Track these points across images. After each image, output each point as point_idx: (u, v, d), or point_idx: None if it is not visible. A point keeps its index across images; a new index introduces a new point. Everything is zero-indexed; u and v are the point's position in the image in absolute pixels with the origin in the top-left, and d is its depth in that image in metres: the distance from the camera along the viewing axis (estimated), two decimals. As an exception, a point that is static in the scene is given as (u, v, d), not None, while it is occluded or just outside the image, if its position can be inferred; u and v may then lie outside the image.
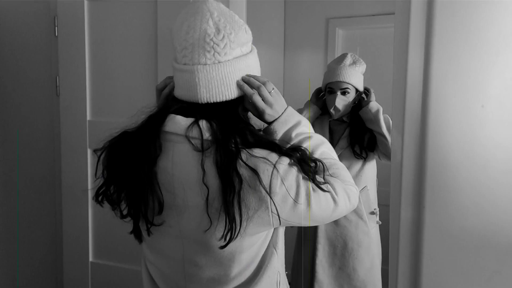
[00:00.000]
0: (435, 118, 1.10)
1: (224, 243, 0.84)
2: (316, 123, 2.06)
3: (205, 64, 0.87)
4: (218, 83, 0.88)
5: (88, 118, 1.88)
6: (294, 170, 0.87)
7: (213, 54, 0.87)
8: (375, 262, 2.01)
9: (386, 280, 1.36)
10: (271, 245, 0.99)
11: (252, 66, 0.94)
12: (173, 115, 0.90)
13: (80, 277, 1.96)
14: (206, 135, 0.86)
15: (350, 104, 1.96)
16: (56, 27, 1.91)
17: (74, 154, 1.91)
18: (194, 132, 0.86)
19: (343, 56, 2.00)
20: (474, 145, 1.09)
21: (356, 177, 1.98)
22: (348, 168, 1.95)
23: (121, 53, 1.81)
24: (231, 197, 0.82)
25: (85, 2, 1.82)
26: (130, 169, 0.88)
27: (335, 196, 0.92)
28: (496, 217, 1.12)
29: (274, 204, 0.84)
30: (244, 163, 0.84)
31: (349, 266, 1.95)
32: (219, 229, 0.85)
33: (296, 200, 0.86)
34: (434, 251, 1.16)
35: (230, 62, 0.89)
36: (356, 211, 1.95)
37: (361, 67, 1.99)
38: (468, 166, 1.10)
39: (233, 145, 0.85)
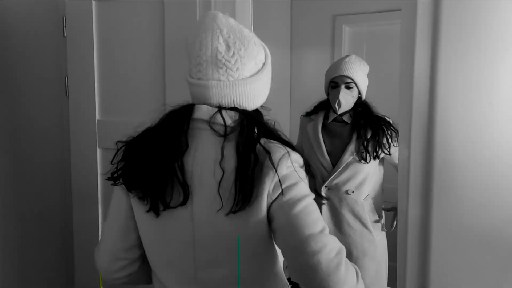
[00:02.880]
0: (442, 115, 1.10)
1: (236, 208, 0.87)
2: (311, 128, 2.03)
3: (219, 80, 0.93)
4: (231, 100, 0.95)
5: (97, 117, 1.89)
6: (305, 173, 0.93)
7: (226, 70, 0.93)
8: (381, 270, 2.00)
9: (394, 277, 1.36)
10: (278, 265, 1.01)
11: (266, 82, 1.00)
12: (199, 104, 0.96)
13: (91, 274, 1.97)
14: (229, 121, 0.92)
15: (353, 100, 1.95)
16: (64, 28, 1.93)
17: (83, 153, 1.92)
18: (218, 119, 0.92)
19: (346, 55, 2.01)
20: (482, 142, 1.09)
21: (361, 184, 1.95)
22: (355, 175, 1.94)
23: (129, 52, 1.82)
24: (245, 171, 0.86)
25: (93, 3, 1.83)
26: (156, 156, 0.92)
27: (325, 226, 0.92)
28: (505, 214, 1.11)
29: (279, 179, 0.87)
30: (262, 146, 0.89)
31: None
32: (228, 205, 0.88)
33: (299, 199, 0.89)
34: (442, 248, 1.15)
35: (246, 81, 0.95)
36: (360, 220, 1.94)
37: (365, 67, 1.97)
38: (476, 163, 1.10)
39: (255, 133, 0.92)
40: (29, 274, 1.92)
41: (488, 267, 1.14)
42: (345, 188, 1.93)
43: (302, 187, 0.91)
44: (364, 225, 1.94)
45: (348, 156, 1.91)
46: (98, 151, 1.90)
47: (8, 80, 1.80)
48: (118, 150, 0.99)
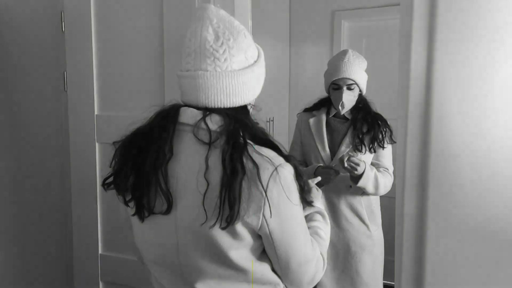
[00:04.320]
0: (438, 108, 1.11)
1: (223, 226, 0.86)
2: (314, 122, 2.04)
3: (206, 71, 0.90)
4: (218, 91, 0.91)
5: (95, 112, 1.89)
6: (297, 185, 0.92)
7: (213, 60, 0.90)
8: (377, 265, 2.02)
9: (392, 270, 1.37)
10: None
11: (256, 78, 0.97)
12: (185, 107, 0.94)
13: (90, 269, 1.98)
14: (214, 127, 0.89)
15: (355, 99, 1.96)
16: (63, 23, 1.92)
17: (82, 148, 1.93)
18: (203, 124, 0.90)
19: (344, 52, 1.99)
20: (477, 134, 1.09)
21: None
22: None
23: (128, 47, 1.82)
24: (232, 184, 0.84)
25: (91, -3, 1.84)
26: (141, 161, 0.91)
27: (308, 239, 0.97)
28: (500, 207, 1.12)
29: (269, 205, 0.86)
30: (250, 156, 0.86)
31: (351, 269, 1.96)
32: (213, 218, 0.86)
33: (290, 213, 0.90)
34: (437, 241, 1.16)
35: (234, 73, 0.92)
36: (358, 215, 1.96)
37: (363, 64, 1.98)
38: (472, 155, 1.10)
39: (241, 138, 0.88)
40: (28, 268, 1.93)
41: (483, 259, 1.15)
42: (343, 182, 1.95)
43: (294, 217, 0.92)
44: (362, 220, 1.96)
45: (345, 148, 1.94)
46: (97, 145, 1.90)
47: (6, 76, 1.80)
48: (115, 153, 0.98)
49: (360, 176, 1.82)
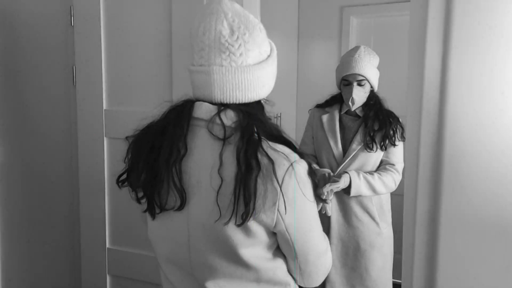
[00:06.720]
0: (453, 105, 1.09)
1: (238, 223, 0.86)
2: (327, 119, 2.04)
3: (221, 66, 0.89)
4: (234, 87, 0.90)
5: (104, 107, 1.90)
6: (311, 181, 0.92)
7: (228, 55, 0.88)
8: (387, 263, 2.02)
9: (399, 268, 1.37)
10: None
11: (271, 73, 0.96)
12: (200, 102, 0.93)
13: (97, 263, 2.00)
14: (229, 122, 0.88)
15: (366, 95, 1.96)
16: (72, 17, 1.93)
17: (90, 143, 1.93)
18: (218, 119, 0.89)
19: (356, 48, 1.99)
20: (492, 132, 1.08)
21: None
22: (363, 166, 1.94)
23: (137, 42, 1.82)
24: (247, 180, 0.83)
25: (101, -8, 1.84)
26: (154, 158, 0.90)
27: (320, 234, 0.99)
28: (514, 205, 1.10)
29: (284, 201, 0.86)
30: (265, 152, 0.86)
31: (361, 267, 1.96)
32: (227, 215, 0.86)
33: (304, 209, 0.91)
34: (450, 240, 1.15)
35: (249, 68, 0.90)
36: (368, 212, 1.96)
37: (375, 60, 1.97)
38: (486, 153, 1.09)
39: (255, 134, 0.88)
40: (35, 261, 1.95)
41: (498, 258, 1.13)
42: None
43: (309, 212, 0.93)
44: (372, 217, 1.96)
45: (356, 145, 1.93)
46: (105, 140, 1.91)
47: (15, 70, 1.81)
48: (128, 149, 0.97)
49: (349, 187, 1.82)
